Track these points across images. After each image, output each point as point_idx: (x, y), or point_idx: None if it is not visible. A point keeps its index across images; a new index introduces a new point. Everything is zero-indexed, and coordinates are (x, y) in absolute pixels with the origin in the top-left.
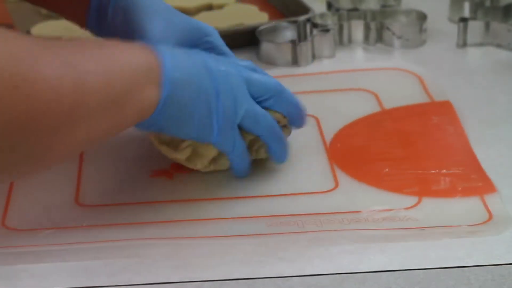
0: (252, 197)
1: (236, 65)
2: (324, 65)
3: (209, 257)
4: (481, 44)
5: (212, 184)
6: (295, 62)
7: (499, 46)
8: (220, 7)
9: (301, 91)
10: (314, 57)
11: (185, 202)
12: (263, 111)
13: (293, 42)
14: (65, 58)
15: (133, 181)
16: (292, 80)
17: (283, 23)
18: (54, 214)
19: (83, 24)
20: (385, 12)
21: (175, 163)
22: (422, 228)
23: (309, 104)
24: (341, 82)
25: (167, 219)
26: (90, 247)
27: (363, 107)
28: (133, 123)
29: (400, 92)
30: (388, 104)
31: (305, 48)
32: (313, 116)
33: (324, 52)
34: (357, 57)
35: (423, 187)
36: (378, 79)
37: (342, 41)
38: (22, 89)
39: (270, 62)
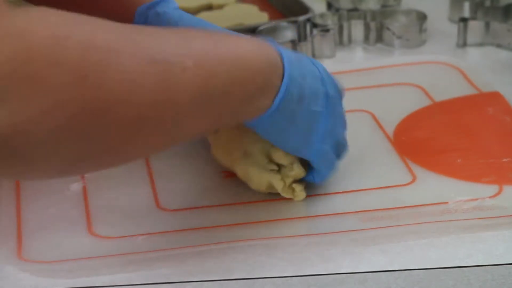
0: (336, 193)
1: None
2: (325, 65)
3: (209, 257)
4: (481, 44)
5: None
6: None
7: (499, 46)
8: (220, 7)
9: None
10: (314, 57)
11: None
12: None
13: (293, 42)
14: (156, 52)
15: (208, 183)
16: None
17: (283, 23)
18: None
19: None
20: (385, 12)
21: None
22: None
23: (362, 99)
24: (386, 78)
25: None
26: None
27: (414, 101)
28: (244, 119)
29: (446, 85)
30: (438, 97)
31: (305, 48)
32: (367, 112)
33: (324, 52)
34: (357, 57)
35: (501, 175)
36: (420, 73)
37: (342, 41)
38: (92, 79)
39: None
